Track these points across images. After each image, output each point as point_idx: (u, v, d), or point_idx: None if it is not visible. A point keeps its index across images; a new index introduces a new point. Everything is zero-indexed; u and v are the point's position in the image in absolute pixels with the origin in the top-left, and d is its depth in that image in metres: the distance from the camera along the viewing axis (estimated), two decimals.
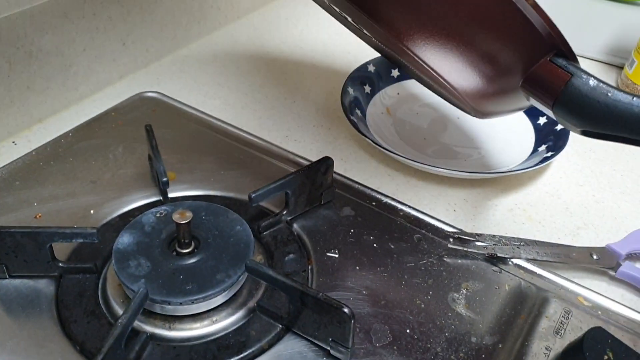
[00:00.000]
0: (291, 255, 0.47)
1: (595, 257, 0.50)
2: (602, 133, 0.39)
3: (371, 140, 0.57)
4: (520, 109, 0.49)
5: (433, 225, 0.51)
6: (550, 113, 0.41)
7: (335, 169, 0.58)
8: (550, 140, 0.61)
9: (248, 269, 0.42)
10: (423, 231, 0.51)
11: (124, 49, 0.68)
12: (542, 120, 0.65)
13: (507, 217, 0.56)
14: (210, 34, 0.80)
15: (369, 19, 0.44)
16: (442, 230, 0.51)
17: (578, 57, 0.73)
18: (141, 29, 0.69)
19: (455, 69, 0.44)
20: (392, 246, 0.49)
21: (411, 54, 0.44)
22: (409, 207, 0.53)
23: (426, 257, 0.48)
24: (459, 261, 0.48)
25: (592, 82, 0.38)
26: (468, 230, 0.53)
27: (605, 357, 0.38)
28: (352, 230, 0.50)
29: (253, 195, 0.46)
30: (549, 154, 0.59)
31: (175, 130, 0.60)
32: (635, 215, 0.57)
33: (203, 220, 0.46)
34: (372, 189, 0.55)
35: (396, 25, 0.44)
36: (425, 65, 0.45)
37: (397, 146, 0.62)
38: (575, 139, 0.66)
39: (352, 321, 0.37)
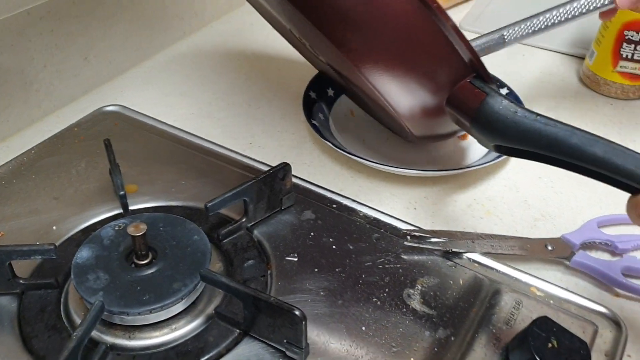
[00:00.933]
0: (250, 261, 0.48)
1: (550, 247, 0.51)
2: (513, 148, 0.42)
3: (332, 144, 0.58)
4: (450, 134, 0.52)
5: (391, 225, 0.52)
6: (469, 130, 0.45)
7: (299, 174, 0.59)
8: None
9: (203, 277, 0.43)
10: (382, 230, 0.52)
11: (86, 64, 0.69)
12: None
13: (466, 212, 0.57)
14: (175, 43, 0.81)
15: (319, 32, 0.45)
16: (400, 228, 0.52)
17: (542, 50, 0.76)
18: (103, 43, 0.70)
19: (393, 88, 0.46)
20: (351, 247, 0.50)
21: (358, 73, 0.46)
22: (369, 207, 0.54)
23: (384, 256, 0.49)
24: (416, 258, 0.50)
25: (503, 101, 0.43)
26: (427, 227, 0.54)
27: (550, 345, 0.39)
28: (312, 234, 0.51)
29: (209, 204, 0.47)
30: None
31: (137, 143, 0.61)
32: (592, 204, 0.58)
33: (161, 231, 0.47)
34: (333, 192, 0.56)
35: (346, 44, 0.45)
36: (370, 85, 0.46)
37: (360, 148, 0.63)
38: None
39: (304, 322, 0.38)
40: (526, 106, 0.68)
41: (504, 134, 0.42)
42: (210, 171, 0.57)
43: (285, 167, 0.51)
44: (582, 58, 0.80)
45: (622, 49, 0.69)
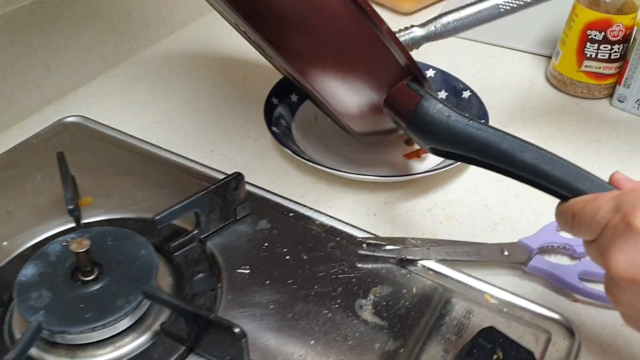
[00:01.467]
0: (201, 275, 0.48)
1: (506, 252, 0.51)
2: (447, 151, 0.43)
3: (291, 151, 0.58)
4: (392, 130, 0.52)
5: (347, 233, 0.52)
6: (405, 130, 0.46)
7: (259, 181, 0.58)
8: None
9: (145, 294, 0.42)
10: (338, 239, 0.51)
11: (48, 74, 0.68)
12: None
13: (426, 217, 0.56)
14: (143, 51, 0.80)
15: (259, 35, 0.45)
16: (356, 236, 0.52)
17: (511, 51, 0.76)
18: (66, 53, 0.70)
19: (331, 88, 0.46)
20: (305, 257, 0.50)
21: (296, 73, 0.46)
22: (326, 215, 0.54)
23: (338, 265, 0.49)
24: (370, 267, 0.49)
25: (437, 105, 0.43)
26: (386, 234, 0.54)
27: (495, 356, 0.38)
28: (266, 244, 0.51)
29: (157, 217, 0.47)
30: None
31: (95, 154, 0.60)
32: (553, 207, 0.57)
33: (108, 246, 0.46)
34: (291, 200, 0.56)
35: (284, 46, 0.45)
36: (309, 85, 0.47)
37: (323, 153, 0.63)
38: None
39: (244, 340, 0.38)
40: (492, 108, 0.68)
41: (437, 137, 0.43)
42: (167, 182, 0.57)
43: (237, 177, 0.51)
44: (550, 58, 0.79)
45: (586, 49, 0.69)
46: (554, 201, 0.58)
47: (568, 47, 0.70)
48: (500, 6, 0.53)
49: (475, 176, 0.61)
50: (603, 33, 0.67)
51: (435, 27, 0.54)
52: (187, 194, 0.49)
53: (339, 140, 0.65)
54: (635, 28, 0.66)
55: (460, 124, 0.42)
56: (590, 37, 0.68)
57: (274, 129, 0.61)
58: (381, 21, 0.42)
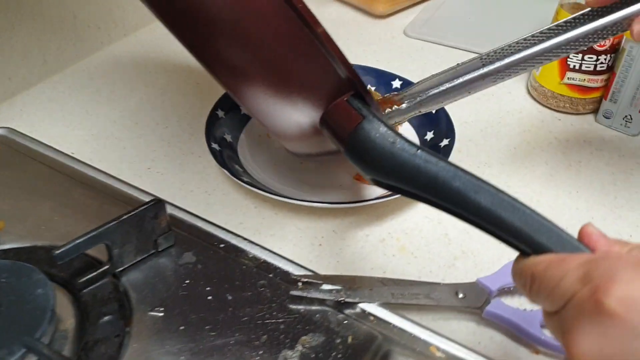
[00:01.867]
0: (108, 317, 0.42)
1: (461, 295, 0.44)
2: (391, 185, 0.37)
3: (230, 172, 0.52)
4: (333, 152, 0.45)
5: (282, 269, 0.46)
6: (344, 155, 0.38)
7: (195, 204, 0.53)
8: None
9: (26, 347, 0.36)
10: (270, 275, 0.45)
11: None
12: (429, 136, 0.59)
13: (377, 248, 0.50)
14: (90, 55, 0.74)
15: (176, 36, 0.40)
16: (291, 273, 0.46)
17: None
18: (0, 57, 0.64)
19: (259, 103, 0.39)
20: (230, 297, 0.44)
21: (224, 87, 0.40)
22: (261, 248, 0.48)
23: (266, 308, 0.43)
24: (303, 310, 0.43)
25: (381, 128, 0.36)
26: (330, 268, 0.48)
27: None
28: (187, 281, 0.45)
29: (56, 253, 0.41)
30: None
31: (16, 172, 0.54)
32: None
33: (2, 283, 0.40)
34: (223, 229, 0.50)
35: (203, 52, 0.39)
36: (232, 94, 0.41)
37: (270, 174, 0.57)
38: (460, 158, 0.60)
39: None
40: (464, 123, 0.61)
41: (378, 167, 0.36)
42: (90, 206, 0.51)
43: (156, 205, 0.45)
44: None
45: (569, 59, 0.62)
46: None
47: None
48: (493, 78, 0.47)
49: (438, 214, 0.55)
50: None
51: (420, 102, 0.48)
52: (107, 220, 0.43)
53: (290, 159, 0.58)
54: (624, 37, 0.60)
55: (405, 154, 0.35)
56: None
57: (214, 145, 0.55)
58: (316, 23, 0.36)
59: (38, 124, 0.63)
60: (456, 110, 0.65)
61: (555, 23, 0.45)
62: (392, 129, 0.36)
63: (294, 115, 0.40)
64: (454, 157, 0.59)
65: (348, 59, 0.37)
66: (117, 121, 0.64)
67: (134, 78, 0.71)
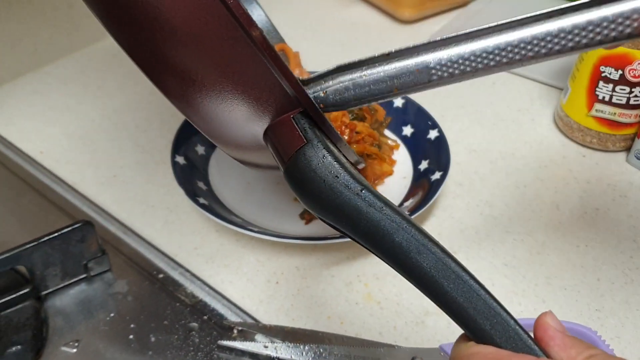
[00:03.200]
0: (16, 347, 0.38)
1: None
2: (329, 222, 0.30)
3: (185, 190, 0.47)
4: (275, 168, 0.38)
5: (217, 312, 0.41)
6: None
7: (154, 220, 0.49)
8: (417, 194, 0.49)
9: None
10: (205, 317, 0.40)
11: None
12: (423, 165, 0.52)
13: (341, 293, 0.44)
14: (85, 48, 0.71)
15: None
16: (227, 318, 0.40)
17: (518, 77, 0.57)
18: None
19: (197, 108, 0.34)
20: (153, 339, 0.39)
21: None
22: (202, 283, 0.43)
23: (190, 357, 0.38)
24: None
25: (326, 157, 0.30)
26: (282, 312, 0.42)
27: None
28: (112, 314, 0.40)
29: None
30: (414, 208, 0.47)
31: None
32: (508, 295, 0.44)
33: None
34: (166, 256, 0.45)
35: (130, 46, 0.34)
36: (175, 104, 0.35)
37: (240, 195, 0.51)
38: (459, 193, 0.53)
39: None
40: (473, 151, 0.53)
41: (316, 200, 0.30)
42: (35, 215, 0.47)
43: (83, 228, 0.40)
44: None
45: (597, 89, 0.54)
46: (510, 288, 0.44)
47: (577, 84, 0.55)
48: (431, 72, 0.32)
49: None
50: (620, 71, 0.52)
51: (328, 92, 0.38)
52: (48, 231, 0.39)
53: (265, 180, 0.53)
54: None
55: (347, 192, 0.29)
56: (603, 74, 0.53)
57: (179, 158, 0.50)
58: (251, 23, 0.29)
59: (16, 117, 0.60)
60: (465, 135, 0.58)
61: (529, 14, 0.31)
62: (339, 159, 0.30)
63: (237, 125, 0.34)
64: (453, 191, 0.52)
65: (292, 74, 0.31)
66: (96, 120, 0.60)
67: (126, 75, 0.67)
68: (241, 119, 0.34)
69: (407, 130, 0.56)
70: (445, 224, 0.50)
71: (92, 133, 0.58)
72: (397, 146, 0.55)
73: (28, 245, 0.39)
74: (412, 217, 0.45)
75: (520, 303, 0.44)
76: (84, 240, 0.40)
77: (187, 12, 0.30)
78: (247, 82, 0.32)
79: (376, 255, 0.29)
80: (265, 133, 0.34)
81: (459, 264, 0.27)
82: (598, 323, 0.42)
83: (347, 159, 0.32)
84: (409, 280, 0.28)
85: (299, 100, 0.31)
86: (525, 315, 0.43)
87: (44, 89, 0.64)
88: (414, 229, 0.28)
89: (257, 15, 0.60)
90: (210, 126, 0.36)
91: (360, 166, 0.37)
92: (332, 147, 0.31)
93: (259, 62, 0.30)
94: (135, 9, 0.31)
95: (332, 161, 0.30)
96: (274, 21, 0.77)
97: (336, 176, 0.29)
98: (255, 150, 0.37)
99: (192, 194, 0.47)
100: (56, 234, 0.39)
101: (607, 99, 0.53)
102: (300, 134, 0.31)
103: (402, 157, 0.54)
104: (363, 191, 0.29)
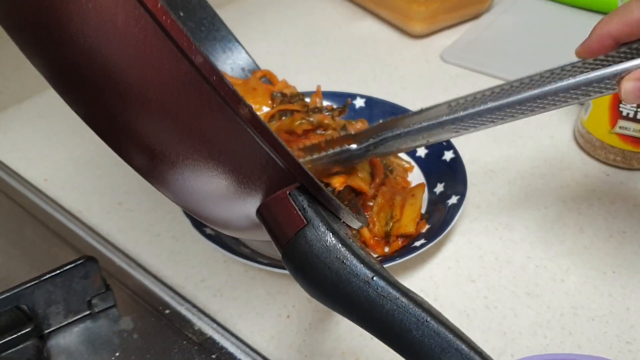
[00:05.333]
0: None
1: None
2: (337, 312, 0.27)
3: (191, 220, 0.45)
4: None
5: (227, 350, 0.39)
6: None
7: (160, 251, 0.47)
8: (431, 219, 0.47)
9: None
10: (213, 357, 0.38)
11: None
12: (438, 189, 0.50)
13: (354, 327, 0.41)
14: None
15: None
16: (237, 357, 0.38)
17: None
18: None
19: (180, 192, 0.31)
20: None
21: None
22: (210, 319, 0.41)
23: None
24: None
25: (329, 239, 0.27)
26: (293, 349, 0.41)
27: None
28: (117, 354, 0.38)
29: None
30: (424, 242, 0.44)
31: None
32: (534, 330, 0.42)
33: None
34: (172, 290, 0.43)
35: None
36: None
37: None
38: (477, 216, 0.51)
39: None
40: (490, 171, 0.53)
41: (319, 289, 0.27)
42: (38, 246, 0.46)
43: (87, 264, 0.38)
44: None
45: (621, 105, 0.51)
46: (536, 320, 0.41)
47: (600, 100, 0.53)
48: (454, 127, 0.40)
49: (440, 269, 0.46)
50: None
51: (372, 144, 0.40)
52: (49, 265, 0.38)
53: None
54: None
55: (356, 281, 0.26)
56: None
57: None
58: (238, 102, 0.26)
59: (20, 143, 0.59)
60: (482, 154, 0.56)
61: (537, 73, 0.38)
62: (345, 241, 0.27)
63: (225, 205, 0.31)
64: (470, 214, 0.50)
65: (286, 148, 0.27)
66: (102, 145, 0.57)
67: None
68: (229, 198, 0.30)
69: (421, 151, 0.54)
70: (464, 249, 0.48)
71: (96, 158, 0.57)
72: (411, 168, 0.53)
73: (29, 284, 0.37)
74: (429, 244, 0.43)
75: (546, 336, 0.41)
76: (87, 277, 0.39)
77: (159, 84, 0.27)
78: (233, 159, 0.28)
79: (393, 349, 0.26)
80: (259, 211, 0.30)
81: None
82: (630, 357, 0.40)
83: (351, 229, 0.30)
84: None
85: (295, 175, 0.28)
86: (552, 349, 0.40)
87: (48, 112, 0.63)
88: (437, 323, 0.25)
89: (242, 58, 0.58)
90: (195, 207, 0.33)
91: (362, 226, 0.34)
92: (335, 226, 0.28)
93: (247, 138, 0.27)
94: (93, 72, 0.27)
95: (337, 244, 0.27)
96: (282, 38, 0.75)
97: (343, 262, 0.26)
98: (248, 229, 0.33)
99: (199, 223, 0.45)
100: (58, 271, 0.38)
101: (631, 115, 0.51)
102: (299, 213, 0.28)
103: (416, 179, 0.52)
104: (375, 278, 0.26)
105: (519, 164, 0.56)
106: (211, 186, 0.30)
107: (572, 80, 0.35)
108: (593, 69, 0.35)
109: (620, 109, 0.51)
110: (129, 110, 0.28)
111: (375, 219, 0.46)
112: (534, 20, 0.78)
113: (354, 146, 0.41)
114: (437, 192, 0.50)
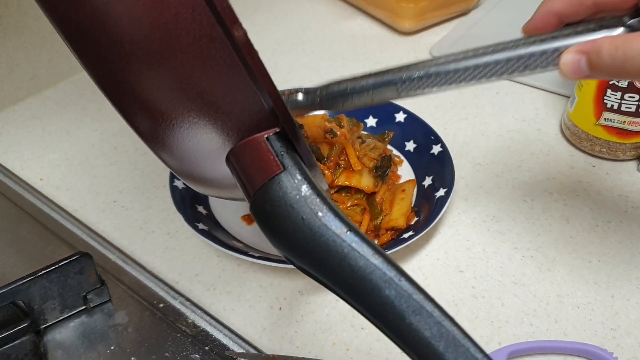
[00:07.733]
0: None
1: None
2: (302, 267, 0.27)
3: (185, 216, 0.46)
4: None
5: (220, 342, 0.40)
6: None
7: (154, 247, 0.48)
8: (420, 212, 0.48)
9: None
10: (206, 348, 0.39)
11: None
12: (427, 182, 0.51)
13: (346, 318, 0.43)
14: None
15: None
16: (229, 348, 0.39)
17: (524, 87, 0.61)
18: None
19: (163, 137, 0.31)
20: None
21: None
22: (203, 312, 0.42)
23: None
24: None
25: (304, 188, 0.26)
26: (285, 339, 0.41)
27: None
28: (112, 347, 0.39)
29: None
30: (412, 234, 0.45)
31: None
32: (520, 317, 0.43)
33: None
34: (166, 284, 0.44)
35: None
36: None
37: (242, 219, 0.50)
38: (465, 209, 0.52)
39: None
40: (477, 165, 0.53)
41: (289, 240, 0.26)
42: (34, 245, 0.47)
43: (81, 259, 0.39)
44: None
45: (605, 97, 0.52)
46: (522, 307, 0.42)
47: (585, 92, 0.54)
48: (397, 88, 0.37)
49: (429, 260, 0.47)
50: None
51: (319, 95, 0.39)
52: (44, 262, 0.39)
53: None
54: None
55: (329, 234, 0.25)
56: (612, 82, 0.51)
57: (177, 182, 0.49)
58: (235, 23, 0.25)
59: (15, 144, 0.60)
60: (470, 148, 0.57)
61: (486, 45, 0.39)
62: (321, 191, 0.26)
63: (204, 150, 0.31)
64: (458, 206, 0.51)
65: (274, 84, 0.26)
66: (96, 145, 0.60)
67: None
68: (207, 140, 0.29)
69: (410, 146, 0.54)
70: (452, 241, 0.48)
71: (91, 158, 0.58)
72: (400, 162, 0.54)
73: (25, 280, 0.38)
74: (418, 236, 0.44)
75: (532, 324, 0.42)
76: (82, 272, 0.40)
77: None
78: (216, 92, 0.27)
79: (358, 311, 0.26)
80: (230, 154, 0.29)
81: (460, 328, 0.24)
82: (614, 343, 0.41)
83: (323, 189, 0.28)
84: (396, 344, 0.25)
85: (278, 116, 0.27)
86: (538, 337, 0.41)
87: (43, 114, 0.64)
88: (409, 284, 0.24)
89: None
90: (177, 155, 0.32)
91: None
92: (311, 177, 0.27)
93: (234, 69, 0.26)
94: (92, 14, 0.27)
95: (313, 194, 0.26)
96: (273, 37, 0.76)
97: (317, 213, 0.25)
98: (219, 179, 0.32)
99: (192, 219, 0.46)
100: (54, 267, 0.39)
101: (615, 107, 0.52)
102: (276, 158, 0.27)
103: (405, 173, 0.53)
104: (349, 233, 0.25)
105: (506, 157, 0.57)
106: (187, 122, 0.29)
107: (513, 52, 0.37)
108: (534, 44, 0.36)
109: (605, 101, 0.52)
110: (125, 40, 0.27)
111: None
112: (521, 17, 0.78)
113: (300, 96, 0.40)
114: (426, 185, 0.51)
